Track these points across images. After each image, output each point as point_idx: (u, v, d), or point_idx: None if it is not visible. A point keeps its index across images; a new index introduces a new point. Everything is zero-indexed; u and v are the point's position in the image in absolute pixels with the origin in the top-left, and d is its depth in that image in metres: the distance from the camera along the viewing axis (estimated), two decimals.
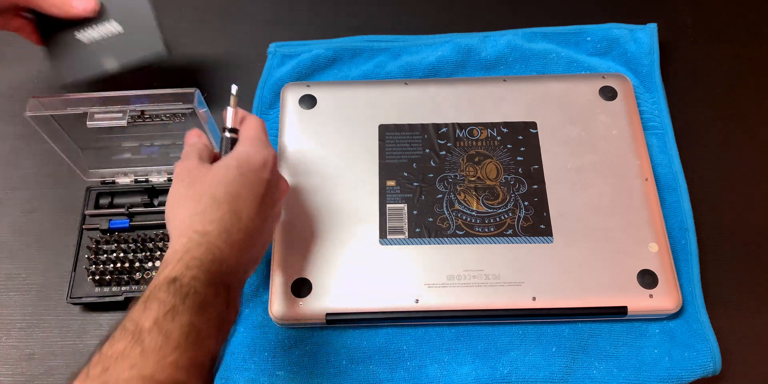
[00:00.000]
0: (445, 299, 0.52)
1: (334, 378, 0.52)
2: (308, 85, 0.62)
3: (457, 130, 0.59)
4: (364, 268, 0.53)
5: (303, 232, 0.54)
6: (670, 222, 0.57)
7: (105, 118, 0.53)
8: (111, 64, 0.58)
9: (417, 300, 0.52)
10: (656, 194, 0.56)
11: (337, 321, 0.52)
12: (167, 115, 0.54)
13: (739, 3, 0.71)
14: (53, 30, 0.58)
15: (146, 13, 0.58)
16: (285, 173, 0.57)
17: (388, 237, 0.54)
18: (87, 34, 0.58)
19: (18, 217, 0.61)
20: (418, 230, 0.54)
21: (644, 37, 0.65)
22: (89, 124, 0.52)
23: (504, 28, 0.68)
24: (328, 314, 0.51)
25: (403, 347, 0.53)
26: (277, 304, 0.52)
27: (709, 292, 0.55)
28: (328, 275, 0.53)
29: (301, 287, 0.52)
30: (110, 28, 0.58)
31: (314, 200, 0.56)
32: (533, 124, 0.59)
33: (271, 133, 0.62)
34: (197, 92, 0.53)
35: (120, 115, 0.53)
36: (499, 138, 0.59)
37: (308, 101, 0.61)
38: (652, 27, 0.66)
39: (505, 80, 0.62)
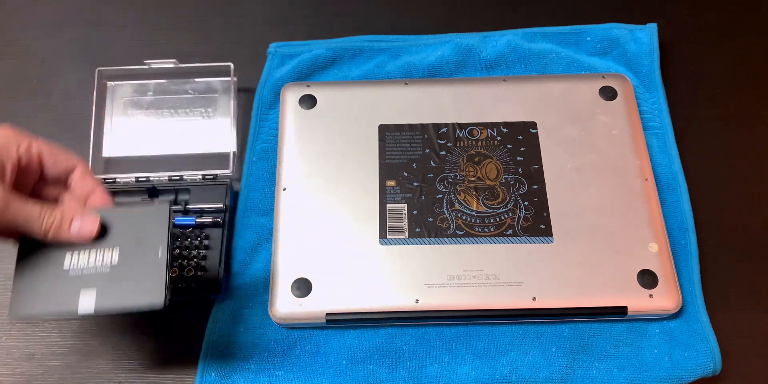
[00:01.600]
0: (445, 299, 0.52)
1: (334, 378, 0.52)
2: (308, 85, 0.62)
3: (457, 130, 0.59)
4: (364, 268, 0.53)
5: (303, 232, 0.54)
6: (670, 222, 0.57)
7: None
8: (86, 307, 0.42)
9: (417, 300, 0.52)
10: (656, 194, 0.56)
11: (337, 321, 0.52)
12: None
13: (738, 3, 0.71)
14: (35, 248, 0.44)
15: (157, 259, 0.44)
16: (285, 174, 0.57)
17: (388, 237, 0.54)
18: (74, 260, 0.43)
19: None
20: (418, 230, 0.54)
21: (644, 37, 0.65)
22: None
23: (504, 28, 0.68)
24: (328, 314, 0.51)
25: (403, 347, 0.53)
26: (277, 304, 0.52)
27: (709, 292, 0.55)
28: (328, 275, 0.53)
29: (301, 287, 0.52)
30: (107, 259, 0.43)
31: (314, 200, 0.56)
32: (533, 124, 0.59)
33: (271, 133, 0.62)
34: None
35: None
36: (499, 138, 0.59)
37: (308, 101, 0.61)
38: (652, 27, 0.66)
39: (505, 80, 0.62)
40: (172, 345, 0.54)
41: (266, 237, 0.57)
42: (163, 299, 0.42)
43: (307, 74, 0.65)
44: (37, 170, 0.44)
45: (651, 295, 0.52)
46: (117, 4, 0.72)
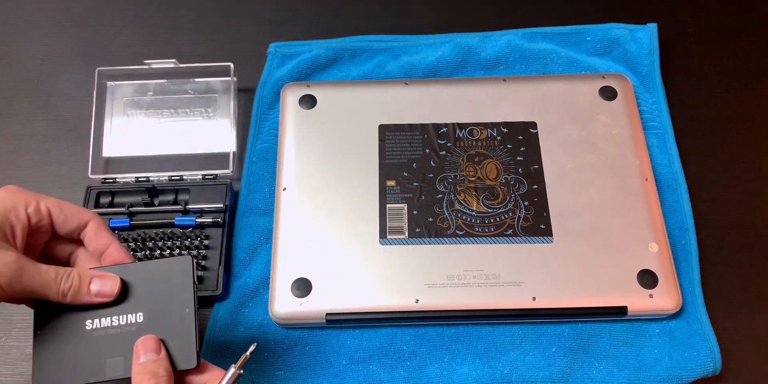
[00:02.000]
0: (445, 299, 0.52)
1: (334, 378, 0.52)
2: (308, 85, 0.62)
3: (457, 130, 0.59)
4: (364, 268, 0.53)
5: (303, 232, 0.54)
6: (670, 222, 0.57)
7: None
8: (115, 371, 0.40)
9: (417, 300, 0.52)
10: (656, 194, 0.56)
11: (337, 321, 0.52)
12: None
13: (739, 3, 0.71)
14: (53, 310, 0.41)
15: (185, 315, 0.41)
16: (285, 174, 0.57)
17: (388, 237, 0.54)
18: (96, 320, 0.41)
19: None
20: (418, 230, 0.54)
21: (644, 37, 0.65)
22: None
23: (504, 28, 0.68)
24: (328, 314, 0.51)
25: (403, 347, 0.53)
26: (277, 304, 0.52)
27: (709, 292, 0.55)
28: (328, 275, 0.53)
29: (301, 287, 0.52)
30: (132, 317, 0.41)
31: (314, 200, 0.56)
32: (533, 124, 0.59)
33: (271, 133, 0.62)
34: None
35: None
36: (499, 138, 0.59)
37: (308, 101, 0.61)
38: (652, 27, 0.66)
39: (505, 80, 0.62)
40: None
41: (266, 237, 0.57)
42: (196, 360, 0.40)
43: (307, 74, 0.65)
44: (48, 229, 0.42)
45: (651, 295, 0.52)
46: (117, 4, 0.72)
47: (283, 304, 0.52)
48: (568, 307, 0.51)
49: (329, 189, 0.56)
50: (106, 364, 0.40)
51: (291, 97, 0.61)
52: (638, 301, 0.52)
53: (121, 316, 0.41)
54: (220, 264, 0.56)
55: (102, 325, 0.41)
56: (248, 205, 0.59)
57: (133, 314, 0.41)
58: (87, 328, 0.41)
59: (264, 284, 0.55)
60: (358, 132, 0.59)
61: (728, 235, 0.59)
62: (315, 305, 0.52)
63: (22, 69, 0.68)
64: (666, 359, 0.52)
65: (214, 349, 0.53)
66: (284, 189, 0.56)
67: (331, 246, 0.54)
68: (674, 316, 0.53)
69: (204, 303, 0.56)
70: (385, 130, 0.59)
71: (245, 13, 0.71)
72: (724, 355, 0.52)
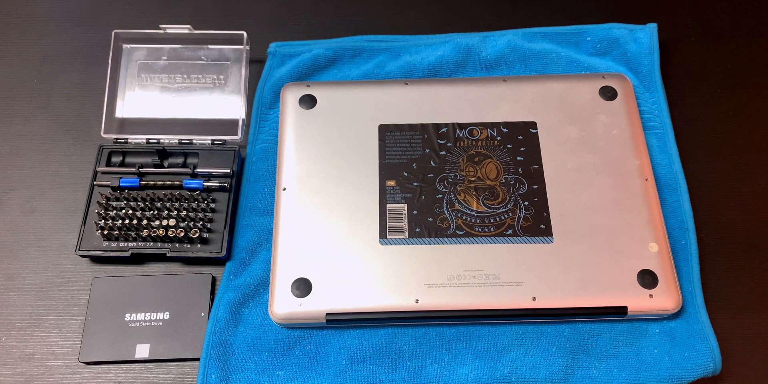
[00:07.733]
0: (445, 299, 0.52)
1: (334, 378, 0.52)
2: (308, 85, 0.62)
3: (457, 130, 0.59)
4: (364, 268, 0.53)
5: (303, 232, 0.54)
6: (670, 222, 0.57)
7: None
8: (142, 353, 0.53)
9: (417, 300, 0.52)
10: (656, 194, 0.56)
11: (337, 321, 0.52)
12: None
13: (739, 3, 0.71)
14: (103, 305, 0.55)
15: (200, 318, 0.54)
16: (285, 174, 0.57)
17: (388, 237, 0.54)
18: (132, 316, 0.54)
19: (18, 217, 0.61)
20: (418, 230, 0.54)
21: (644, 37, 0.65)
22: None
23: (504, 28, 0.68)
24: (328, 314, 0.51)
25: (403, 347, 0.53)
26: (277, 304, 0.52)
27: (709, 292, 0.55)
28: (328, 275, 0.53)
29: (301, 287, 0.52)
30: (160, 315, 0.54)
31: (314, 200, 0.56)
32: (533, 124, 0.59)
33: (271, 133, 0.62)
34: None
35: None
36: (499, 138, 0.59)
37: (308, 101, 0.61)
38: (652, 27, 0.66)
39: (505, 80, 0.62)
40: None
41: (266, 237, 0.57)
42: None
43: (307, 74, 0.65)
44: None
45: (651, 295, 0.52)
46: (116, 5, 0.72)
47: (283, 304, 0.52)
48: (568, 307, 0.51)
49: (329, 189, 0.56)
50: (136, 348, 0.53)
51: (291, 97, 0.61)
52: (638, 301, 0.52)
53: (152, 313, 0.54)
54: (225, 227, 0.57)
55: (137, 319, 0.54)
56: (248, 205, 0.59)
57: (162, 313, 0.54)
58: (126, 319, 0.54)
59: (264, 284, 0.55)
60: (358, 132, 0.59)
61: (728, 235, 0.59)
62: (315, 305, 0.52)
63: (22, 69, 0.68)
64: (666, 359, 0.52)
65: (214, 349, 0.53)
66: (284, 189, 0.56)
67: (331, 246, 0.54)
68: (674, 316, 0.53)
69: (208, 263, 0.58)
70: (385, 130, 0.59)
71: (245, 13, 0.71)
72: (724, 355, 0.52)
